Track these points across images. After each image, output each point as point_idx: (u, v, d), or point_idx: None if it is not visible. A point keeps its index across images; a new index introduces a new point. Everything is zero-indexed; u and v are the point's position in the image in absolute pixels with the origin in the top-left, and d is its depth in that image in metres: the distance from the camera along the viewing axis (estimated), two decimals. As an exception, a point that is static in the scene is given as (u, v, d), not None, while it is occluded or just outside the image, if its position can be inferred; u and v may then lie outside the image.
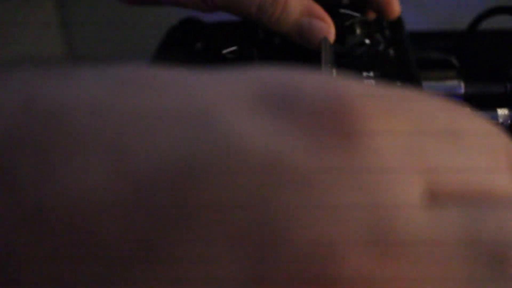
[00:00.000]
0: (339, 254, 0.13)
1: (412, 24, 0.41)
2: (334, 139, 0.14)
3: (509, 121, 0.38)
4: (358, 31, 0.38)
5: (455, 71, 0.41)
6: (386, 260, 0.13)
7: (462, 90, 0.40)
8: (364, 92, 0.15)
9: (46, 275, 0.12)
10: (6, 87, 0.14)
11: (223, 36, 0.40)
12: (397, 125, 0.15)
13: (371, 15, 0.39)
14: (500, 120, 0.38)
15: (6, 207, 0.12)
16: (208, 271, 0.13)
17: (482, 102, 0.38)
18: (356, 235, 0.13)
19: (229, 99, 0.14)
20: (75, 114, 0.13)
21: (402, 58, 0.37)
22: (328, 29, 0.35)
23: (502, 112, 0.38)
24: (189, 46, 0.40)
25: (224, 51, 0.38)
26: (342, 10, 0.38)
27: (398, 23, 0.40)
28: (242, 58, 0.37)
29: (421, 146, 0.15)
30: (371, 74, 0.35)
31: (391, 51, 0.37)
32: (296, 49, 0.38)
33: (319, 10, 0.36)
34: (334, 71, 0.33)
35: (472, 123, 0.16)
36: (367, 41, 0.38)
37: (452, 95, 0.40)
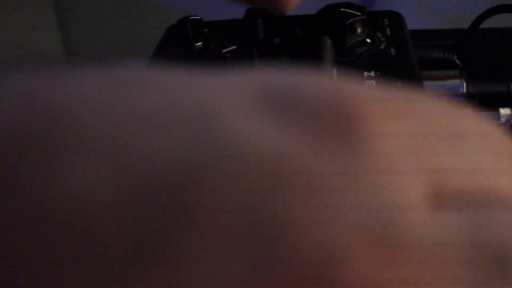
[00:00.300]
0: (342, 256, 0.13)
1: (414, 22, 0.41)
2: (337, 141, 0.14)
3: (511, 121, 0.38)
4: (359, 30, 0.38)
5: (457, 70, 0.41)
6: (390, 262, 0.13)
7: (464, 90, 0.40)
8: (367, 95, 0.15)
9: (45, 276, 0.12)
10: (5, 87, 0.14)
11: (222, 35, 0.40)
12: (400, 127, 0.15)
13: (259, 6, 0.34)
14: (503, 119, 0.38)
15: (5, 207, 0.12)
16: (208, 273, 0.13)
17: (484, 102, 0.39)
18: (359, 237, 0.13)
19: (231, 100, 0.14)
20: (75, 114, 0.13)
21: (403, 57, 0.37)
22: None
23: (504, 111, 0.38)
24: (188, 45, 0.40)
25: (224, 50, 0.38)
26: (343, 9, 0.38)
27: (399, 21, 0.40)
28: (242, 57, 0.37)
29: (425, 148, 0.15)
30: (372, 73, 0.35)
31: (392, 50, 0.37)
32: (296, 48, 0.38)
33: None
34: (334, 70, 0.33)
35: (475, 125, 0.16)
36: (368, 40, 0.38)
37: (454, 95, 0.40)
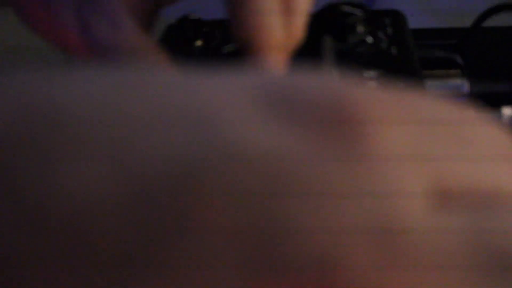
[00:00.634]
0: (342, 258, 0.13)
1: (415, 21, 0.41)
2: (338, 143, 0.14)
3: (514, 120, 0.38)
4: (359, 28, 0.38)
5: (459, 70, 0.41)
6: (391, 265, 0.13)
7: (466, 89, 0.40)
8: (368, 96, 0.15)
9: (45, 276, 0.12)
10: (5, 87, 0.14)
11: (222, 33, 0.40)
12: (402, 129, 0.15)
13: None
14: (505, 119, 0.38)
15: (5, 207, 0.12)
16: (207, 274, 0.13)
17: (487, 101, 0.39)
18: (359, 240, 0.13)
19: (231, 100, 0.14)
20: (75, 114, 0.13)
21: (404, 56, 0.37)
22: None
23: (506, 110, 0.38)
24: (188, 43, 0.40)
25: (224, 49, 0.38)
26: (344, 8, 0.38)
27: (401, 20, 0.40)
28: (241, 56, 0.37)
29: (427, 151, 0.15)
30: (373, 72, 0.35)
31: (394, 49, 0.37)
32: (296, 48, 0.37)
33: None
34: (335, 70, 0.33)
35: (478, 127, 0.16)
36: (369, 39, 0.38)
37: (456, 94, 0.40)
